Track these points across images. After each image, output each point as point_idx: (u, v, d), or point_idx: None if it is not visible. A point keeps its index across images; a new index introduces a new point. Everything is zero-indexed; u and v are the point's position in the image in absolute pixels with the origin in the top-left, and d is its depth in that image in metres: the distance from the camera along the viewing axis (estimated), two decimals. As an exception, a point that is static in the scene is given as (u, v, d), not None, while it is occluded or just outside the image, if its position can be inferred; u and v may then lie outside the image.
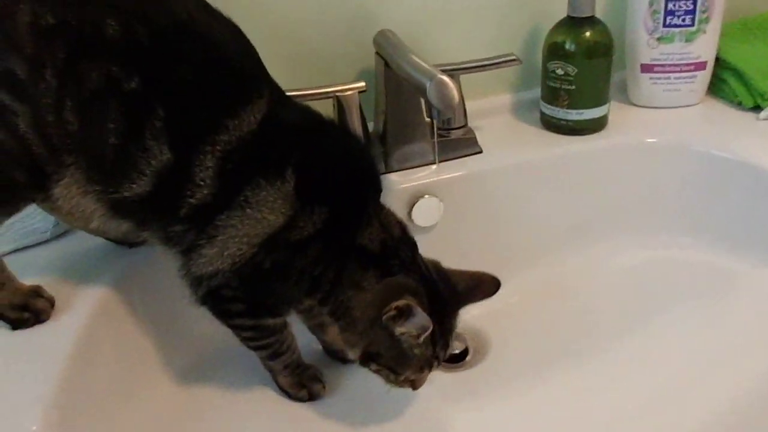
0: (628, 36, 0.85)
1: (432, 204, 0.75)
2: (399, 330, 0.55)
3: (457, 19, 0.83)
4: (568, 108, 0.80)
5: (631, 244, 0.83)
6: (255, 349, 0.64)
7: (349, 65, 0.79)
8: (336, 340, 0.70)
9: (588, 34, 0.78)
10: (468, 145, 0.79)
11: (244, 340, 0.63)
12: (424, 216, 0.75)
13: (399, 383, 0.61)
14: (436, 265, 0.61)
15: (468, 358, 0.75)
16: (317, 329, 0.71)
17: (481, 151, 0.79)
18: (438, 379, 0.68)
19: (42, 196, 0.56)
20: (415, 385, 0.62)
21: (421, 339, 0.56)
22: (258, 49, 0.58)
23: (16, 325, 0.58)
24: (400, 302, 0.54)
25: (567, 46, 0.78)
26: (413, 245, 0.61)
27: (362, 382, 0.68)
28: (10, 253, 0.67)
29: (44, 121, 0.52)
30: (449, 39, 0.83)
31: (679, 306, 0.76)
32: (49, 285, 0.62)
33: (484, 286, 0.61)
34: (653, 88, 0.86)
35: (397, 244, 0.59)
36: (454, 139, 0.79)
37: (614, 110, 0.85)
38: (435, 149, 0.76)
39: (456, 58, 0.78)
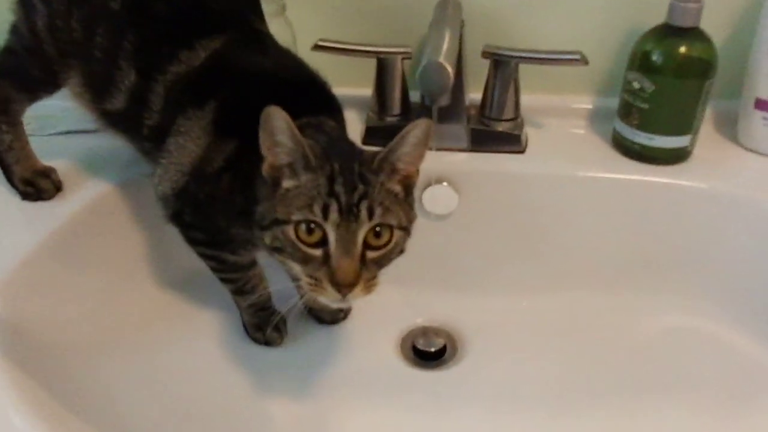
0: (751, 61, 0.70)
1: (446, 193, 0.70)
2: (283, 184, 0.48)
3: (548, 5, 0.74)
4: (637, 128, 0.69)
5: (668, 306, 0.71)
6: (220, 280, 0.65)
7: (406, 28, 0.75)
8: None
9: (683, 48, 0.65)
10: (509, 141, 0.72)
11: (210, 269, 0.65)
12: (434, 202, 0.71)
13: (306, 272, 0.48)
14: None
15: (446, 355, 0.71)
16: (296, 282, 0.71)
17: (522, 151, 0.72)
18: (412, 376, 0.66)
19: (54, 90, 0.62)
20: (334, 271, 0.47)
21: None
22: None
23: (23, 197, 0.66)
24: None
25: (653, 58, 0.66)
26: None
27: (325, 348, 0.68)
28: (62, 134, 0.75)
29: (55, 24, 0.58)
30: (533, 24, 0.74)
31: (695, 393, 0.64)
32: (68, 171, 0.69)
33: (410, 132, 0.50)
34: (765, 131, 0.71)
35: None
36: (495, 131, 0.72)
37: (708, 146, 0.71)
38: (466, 135, 0.70)
39: (533, 46, 0.70)
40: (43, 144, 0.70)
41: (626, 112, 0.70)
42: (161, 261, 0.71)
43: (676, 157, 0.70)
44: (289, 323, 0.70)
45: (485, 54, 0.69)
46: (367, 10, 0.75)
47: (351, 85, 0.71)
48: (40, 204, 0.66)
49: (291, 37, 0.72)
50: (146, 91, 0.55)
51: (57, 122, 0.75)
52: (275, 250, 0.49)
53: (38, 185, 0.66)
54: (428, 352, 0.69)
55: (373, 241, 0.48)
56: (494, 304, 0.72)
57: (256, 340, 0.68)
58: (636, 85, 0.67)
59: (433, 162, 0.69)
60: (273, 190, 0.49)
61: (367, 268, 0.48)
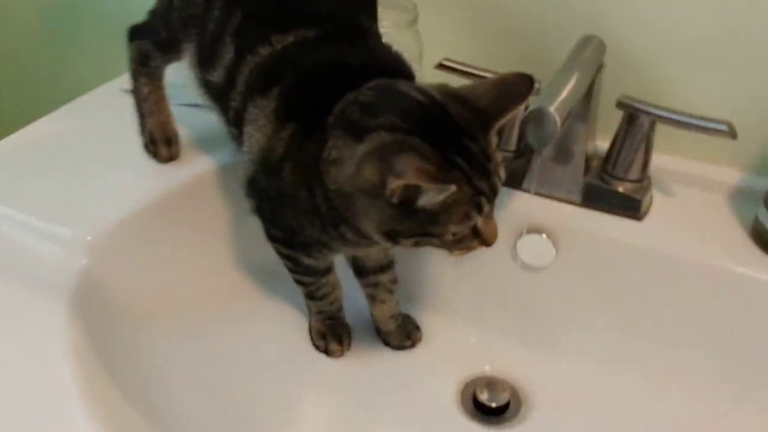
0: None
1: (543, 245, 0.65)
2: (419, 203, 0.46)
3: (708, 61, 0.65)
4: (776, 214, 0.60)
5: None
6: (294, 281, 0.66)
7: (541, 59, 0.69)
8: (381, 319, 0.69)
9: None
10: (626, 204, 0.65)
11: (286, 268, 0.65)
12: (529, 251, 0.66)
13: (456, 248, 0.51)
14: (443, 89, 0.50)
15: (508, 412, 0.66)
16: (369, 300, 0.70)
17: (639, 218, 0.65)
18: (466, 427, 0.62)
19: (177, 55, 0.65)
20: (485, 239, 0.50)
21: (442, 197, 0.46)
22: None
23: (144, 147, 0.70)
24: (396, 184, 0.44)
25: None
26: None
27: (382, 374, 0.66)
28: (192, 105, 0.79)
29: None
30: (685, 79, 0.66)
31: None
32: (186, 141, 0.72)
33: (513, 89, 0.49)
34: None
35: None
36: (613, 190, 0.65)
37: None
38: (580, 187, 0.64)
39: (685, 107, 0.62)
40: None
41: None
42: (247, 247, 0.72)
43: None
44: (355, 339, 0.69)
45: (620, 104, 0.63)
46: (503, 33, 0.71)
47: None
48: (152, 167, 0.69)
49: (418, 49, 0.70)
50: (237, 69, 0.56)
51: (189, 93, 0.78)
52: (416, 245, 0.50)
53: (158, 149, 0.70)
54: (489, 406, 0.65)
55: None
56: (570, 370, 0.66)
57: (317, 347, 0.68)
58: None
59: (537, 208, 0.65)
60: (402, 207, 0.46)
61: None
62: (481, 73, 0.66)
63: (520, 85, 0.49)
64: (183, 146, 0.71)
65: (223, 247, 0.72)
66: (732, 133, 0.59)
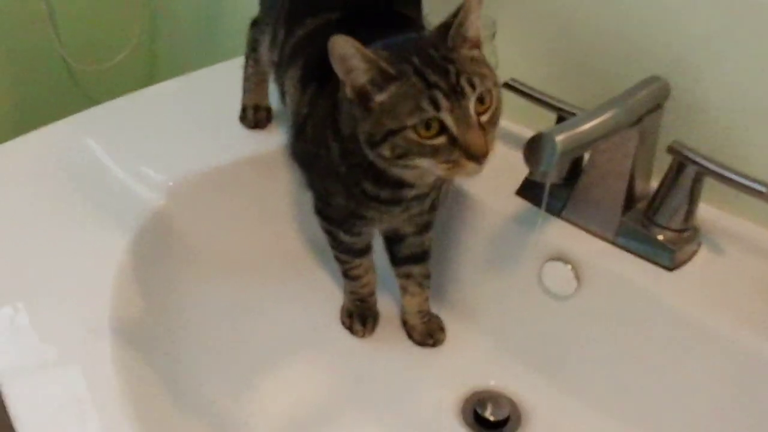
0: None
1: (566, 276, 0.65)
2: (358, 83, 0.51)
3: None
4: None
5: None
6: (334, 257, 0.71)
7: (605, 91, 0.69)
8: (409, 311, 0.73)
9: None
10: (658, 253, 0.63)
11: (329, 244, 0.70)
12: (552, 278, 0.66)
13: (439, 160, 0.51)
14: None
15: (506, 429, 0.68)
16: (401, 290, 0.74)
17: (670, 269, 0.62)
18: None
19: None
20: (467, 149, 0.49)
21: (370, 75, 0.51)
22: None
23: (240, 118, 0.80)
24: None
25: None
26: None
27: (394, 367, 0.70)
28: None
29: None
30: (755, 138, 0.62)
31: None
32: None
33: None
34: None
35: None
36: (646, 234, 0.63)
37: None
38: (615, 224, 0.63)
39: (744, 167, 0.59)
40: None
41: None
42: (308, 221, 0.79)
43: None
44: (382, 328, 0.73)
45: (670, 150, 0.61)
46: (576, 64, 0.71)
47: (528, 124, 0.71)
48: (243, 134, 0.79)
49: (494, 65, 0.72)
50: (284, 50, 0.64)
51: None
52: (398, 157, 0.52)
53: (255, 115, 0.80)
54: (488, 419, 0.66)
55: (480, 108, 0.51)
56: (571, 401, 0.66)
57: (343, 323, 0.74)
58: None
59: (569, 238, 0.65)
60: (365, 108, 0.52)
61: (486, 131, 0.51)
62: (541, 97, 0.68)
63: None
64: (275, 123, 0.81)
65: (288, 217, 0.80)
66: (770, 197, 0.55)
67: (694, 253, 0.64)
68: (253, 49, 0.79)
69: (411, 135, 0.50)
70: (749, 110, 0.63)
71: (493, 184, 0.71)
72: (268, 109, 0.81)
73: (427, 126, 0.50)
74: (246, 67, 0.80)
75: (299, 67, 0.62)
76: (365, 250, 0.70)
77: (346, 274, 0.72)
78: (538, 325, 0.69)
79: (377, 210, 0.62)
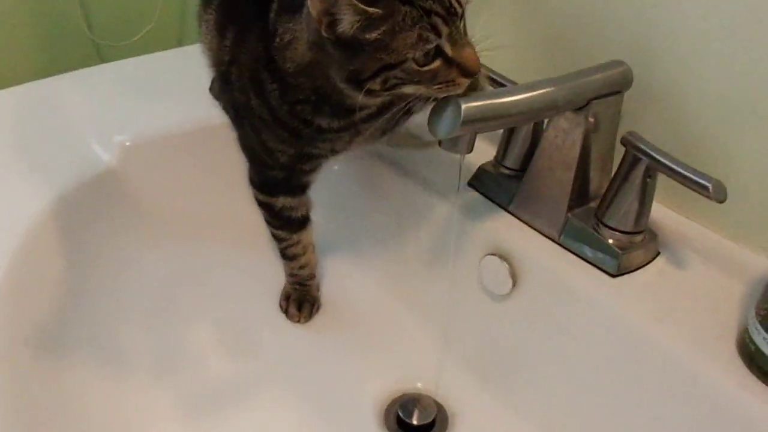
0: None
1: (502, 273, 0.59)
2: (343, 31, 0.46)
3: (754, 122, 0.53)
4: (761, 322, 0.46)
5: None
6: (271, 236, 0.67)
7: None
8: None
9: None
10: (602, 257, 0.56)
11: (264, 220, 0.67)
12: (487, 273, 0.61)
13: (436, 84, 0.48)
14: None
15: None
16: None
17: (613, 275, 0.55)
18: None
19: None
20: (464, 66, 0.47)
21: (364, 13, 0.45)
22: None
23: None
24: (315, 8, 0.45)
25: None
26: None
27: (328, 357, 0.67)
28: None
29: None
30: (731, 140, 0.55)
31: None
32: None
33: None
34: None
35: None
36: (596, 238, 0.56)
37: None
38: (560, 222, 0.57)
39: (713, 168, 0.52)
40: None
41: (763, 295, 0.47)
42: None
43: (806, 394, 0.45)
44: (323, 316, 0.70)
45: (623, 141, 0.55)
46: (539, 48, 0.66)
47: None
48: (214, 103, 0.78)
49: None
50: None
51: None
52: (389, 88, 0.48)
53: (214, 84, 0.76)
54: (410, 423, 0.61)
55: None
56: (503, 405, 0.61)
57: (279, 306, 0.71)
58: (781, 262, 0.45)
59: (512, 234, 0.60)
60: (348, 48, 0.46)
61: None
62: (501, 80, 0.63)
63: None
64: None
65: (243, 188, 0.77)
66: (717, 195, 0.48)
67: (649, 260, 0.57)
68: None
69: (411, 66, 0.46)
70: (721, 106, 0.55)
71: (445, 172, 0.67)
72: None
73: (427, 55, 0.46)
74: None
75: (213, 10, 0.59)
76: (303, 222, 0.66)
77: (284, 254, 0.68)
78: (476, 325, 0.64)
79: (327, 141, 0.58)
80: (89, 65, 0.86)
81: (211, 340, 0.68)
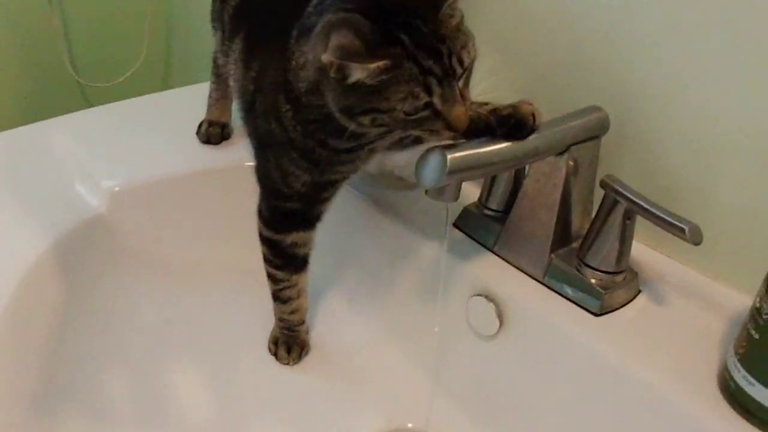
0: None
1: (488, 314, 0.61)
2: (353, 79, 0.47)
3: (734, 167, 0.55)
4: (740, 361, 0.48)
5: None
6: (267, 275, 0.67)
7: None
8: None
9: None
10: (585, 297, 0.57)
11: (264, 258, 0.67)
12: (474, 314, 0.62)
13: (419, 130, 0.50)
14: None
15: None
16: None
17: (597, 314, 0.57)
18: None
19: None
20: (450, 124, 0.48)
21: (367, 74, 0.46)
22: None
23: (197, 132, 0.81)
24: (327, 59, 0.46)
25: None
26: None
27: (315, 401, 0.67)
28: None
29: None
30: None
31: None
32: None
33: None
34: None
35: None
36: (578, 278, 0.58)
37: None
38: (544, 263, 0.58)
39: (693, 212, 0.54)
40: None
41: (740, 336, 0.49)
42: (245, 247, 0.78)
43: (786, 430, 0.46)
44: (312, 359, 0.70)
45: (602, 184, 0.56)
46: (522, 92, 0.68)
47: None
48: (208, 147, 0.80)
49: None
50: (223, 22, 0.65)
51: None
52: (377, 126, 0.50)
53: (207, 130, 0.80)
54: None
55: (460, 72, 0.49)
56: None
57: (269, 349, 0.71)
58: (758, 303, 0.47)
59: (498, 275, 0.61)
60: (345, 84, 0.48)
61: (465, 98, 0.50)
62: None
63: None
64: (233, 139, 0.81)
65: (229, 233, 0.78)
66: (692, 237, 0.49)
67: (630, 299, 0.59)
68: (215, 65, 0.79)
69: (398, 115, 0.48)
70: (697, 148, 0.58)
71: (432, 214, 0.68)
72: (224, 126, 0.81)
73: (415, 108, 0.48)
74: (210, 83, 0.81)
75: (240, 40, 0.60)
76: (304, 262, 0.66)
77: (278, 296, 0.69)
78: (465, 365, 0.64)
79: (341, 164, 0.59)
80: (75, 108, 0.88)
81: (200, 383, 0.68)
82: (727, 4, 0.53)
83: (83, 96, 1.22)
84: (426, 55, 0.47)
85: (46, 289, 0.64)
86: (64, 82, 1.17)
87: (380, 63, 0.45)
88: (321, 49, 0.47)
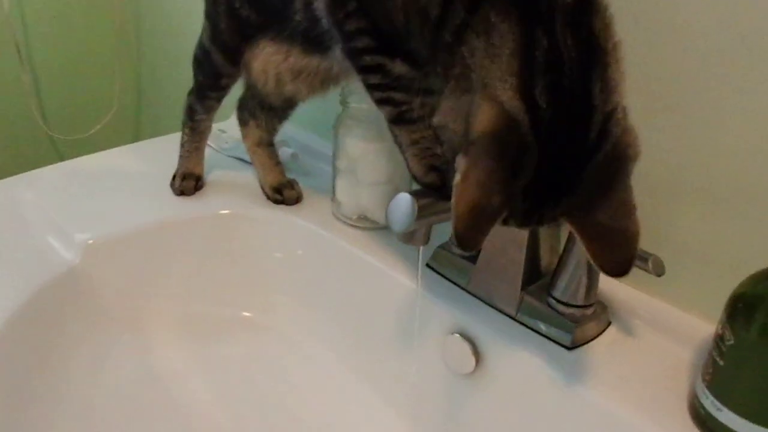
0: None
1: (463, 348, 0.61)
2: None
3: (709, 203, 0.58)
4: (707, 388, 0.49)
5: None
6: (380, 103, 0.59)
7: None
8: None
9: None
10: (556, 331, 0.59)
11: (371, 89, 0.59)
12: (452, 355, 0.63)
13: None
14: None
15: None
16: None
17: (569, 348, 0.58)
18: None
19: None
20: None
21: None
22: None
23: (172, 186, 0.81)
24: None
25: (743, 301, 0.47)
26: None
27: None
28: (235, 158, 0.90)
29: None
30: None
31: None
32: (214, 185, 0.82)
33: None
34: None
35: None
36: (549, 313, 0.59)
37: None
38: (516, 299, 0.60)
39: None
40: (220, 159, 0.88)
41: (707, 360, 0.51)
42: (221, 293, 0.79)
43: (756, 454, 0.48)
44: (289, 398, 0.70)
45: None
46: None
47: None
48: (181, 199, 0.80)
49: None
50: None
51: (238, 148, 0.89)
52: None
53: (182, 183, 0.81)
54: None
55: None
56: None
57: (429, 185, 0.59)
58: (720, 328, 0.49)
59: (472, 313, 0.62)
60: None
61: None
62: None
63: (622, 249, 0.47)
64: (212, 193, 0.82)
65: (203, 283, 0.79)
66: (655, 269, 0.51)
67: (601, 331, 0.60)
68: (189, 117, 0.81)
69: None
70: (659, 183, 0.60)
71: (405, 255, 0.69)
72: (198, 178, 0.82)
73: None
74: (182, 134, 0.82)
75: None
76: (423, 89, 0.57)
77: (402, 118, 0.58)
78: (443, 403, 0.65)
79: None
80: (46, 161, 0.88)
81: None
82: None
83: (54, 149, 1.22)
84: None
85: (20, 342, 0.63)
86: (36, 136, 1.18)
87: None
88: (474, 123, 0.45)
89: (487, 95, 0.44)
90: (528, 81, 0.44)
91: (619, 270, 0.46)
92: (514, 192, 0.45)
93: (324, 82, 0.69)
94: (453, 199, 0.44)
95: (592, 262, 0.47)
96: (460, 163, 0.44)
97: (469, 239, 0.45)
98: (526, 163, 0.44)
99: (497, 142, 0.44)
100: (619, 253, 0.47)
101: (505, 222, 0.47)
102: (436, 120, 0.50)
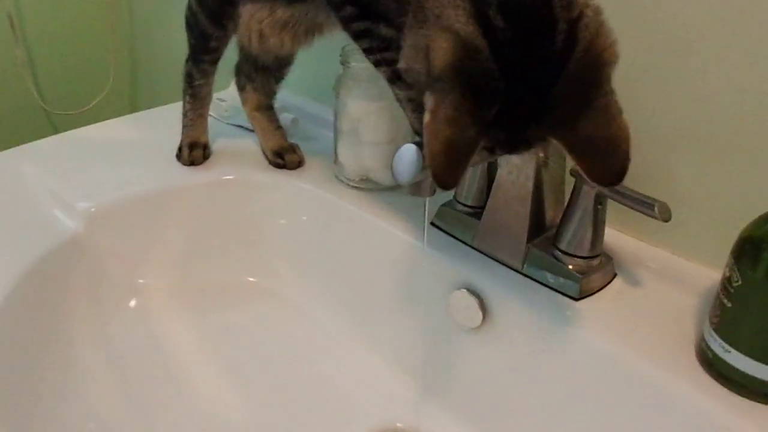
0: None
1: (471, 307, 0.62)
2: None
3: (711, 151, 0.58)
4: (715, 331, 0.50)
5: None
6: (377, 65, 0.61)
7: None
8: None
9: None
10: (564, 282, 0.59)
11: (366, 53, 0.61)
12: (459, 310, 0.63)
13: None
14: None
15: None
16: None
17: (576, 298, 0.58)
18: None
19: None
20: None
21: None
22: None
23: (177, 156, 0.81)
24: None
25: (751, 243, 0.47)
26: None
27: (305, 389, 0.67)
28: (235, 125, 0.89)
29: None
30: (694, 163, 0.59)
31: None
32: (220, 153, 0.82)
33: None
34: None
35: None
36: (551, 262, 0.60)
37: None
38: (521, 253, 0.60)
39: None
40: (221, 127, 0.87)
41: (714, 304, 0.51)
42: (232, 256, 0.79)
43: (763, 393, 0.48)
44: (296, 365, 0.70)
45: (572, 171, 0.58)
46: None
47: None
48: (175, 165, 0.80)
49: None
50: None
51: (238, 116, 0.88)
52: None
53: (191, 153, 0.80)
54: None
55: None
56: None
57: (418, 133, 0.61)
58: (727, 272, 0.49)
59: (478, 268, 0.62)
60: None
61: None
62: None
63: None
64: (215, 160, 0.81)
65: (209, 251, 0.79)
66: (662, 215, 0.51)
67: (607, 282, 0.60)
68: (188, 83, 0.80)
69: None
70: (663, 132, 0.60)
71: (410, 214, 0.69)
72: (205, 146, 0.81)
73: None
74: (183, 103, 0.81)
75: None
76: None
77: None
78: (451, 360, 0.65)
79: None
80: (44, 136, 0.88)
81: (179, 412, 0.67)
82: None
83: (51, 124, 1.21)
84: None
85: (24, 309, 0.64)
86: (33, 113, 1.17)
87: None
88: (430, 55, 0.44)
89: (440, 26, 0.43)
90: (480, 2, 0.42)
91: (614, 178, 0.45)
92: (487, 121, 0.43)
93: (308, 32, 0.69)
94: (425, 139, 0.43)
95: (585, 177, 0.45)
96: (428, 101, 0.43)
97: (447, 177, 0.44)
98: (493, 88, 0.43)
99: (458, 73, 0.42)
100: (611, 161, 0.44)
101: (492, 152, 0.46)
102: (400, 65, 0.49)
